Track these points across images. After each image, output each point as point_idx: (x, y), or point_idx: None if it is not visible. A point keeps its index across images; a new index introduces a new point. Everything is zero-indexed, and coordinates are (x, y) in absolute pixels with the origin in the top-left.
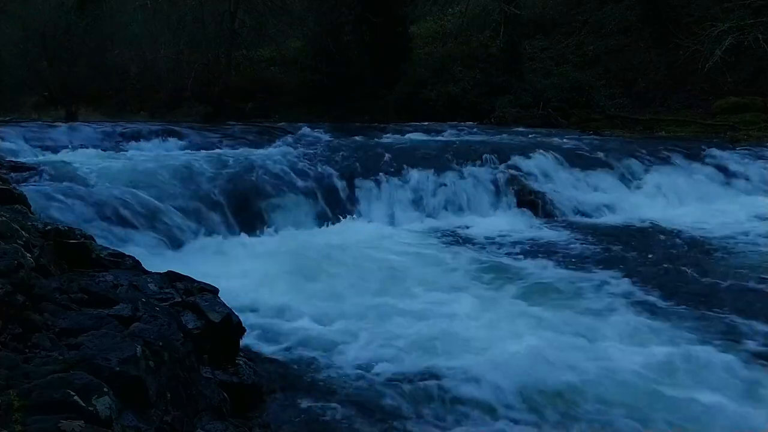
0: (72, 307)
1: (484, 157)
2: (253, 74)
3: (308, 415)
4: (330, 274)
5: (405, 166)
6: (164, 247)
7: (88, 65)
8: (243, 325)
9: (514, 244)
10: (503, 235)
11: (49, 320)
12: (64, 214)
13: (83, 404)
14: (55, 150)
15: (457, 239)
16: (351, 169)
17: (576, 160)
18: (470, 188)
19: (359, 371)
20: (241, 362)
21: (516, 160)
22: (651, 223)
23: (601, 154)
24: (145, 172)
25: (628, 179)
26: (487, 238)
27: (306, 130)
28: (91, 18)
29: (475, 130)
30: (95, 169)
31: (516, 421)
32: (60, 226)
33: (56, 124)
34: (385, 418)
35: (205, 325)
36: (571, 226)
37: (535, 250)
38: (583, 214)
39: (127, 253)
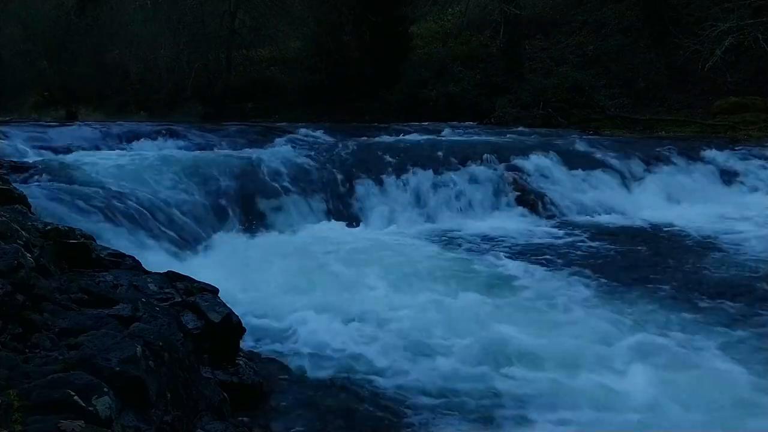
0: (72, 307)
1: (484, 157)
2: (253, 74)
3: (308, 415)
4: (330, 274)
5: (405, 166)
6: (165, 248)
7: (88, 65)
8: (243, 324)
9: (514, 244)
10: (503, 236)
11: (49, 320)
12: (64, 214)
13: (83, 404)
14: (55, 150)
15: (456, 239)
16: (351, 169)
17: (576, 160)
18: (470, 188)
19: (360, 371)
20: (241, 362)
21: (516, 160)
22: (651, 223)
23: (601, 154)
24: (145, 172)
25: (628, 179)
26: (486, 238)
27: (306, 130)
28: (91, 18)
29: (475, 130)
30: (95, 169)
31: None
32: (60, 226)
33: (56, 124)
34: (387, 418)
35: (205, 325)
36: (571, 226)
37: (535, 250)
38: (584, 214)
39: (127, 254)
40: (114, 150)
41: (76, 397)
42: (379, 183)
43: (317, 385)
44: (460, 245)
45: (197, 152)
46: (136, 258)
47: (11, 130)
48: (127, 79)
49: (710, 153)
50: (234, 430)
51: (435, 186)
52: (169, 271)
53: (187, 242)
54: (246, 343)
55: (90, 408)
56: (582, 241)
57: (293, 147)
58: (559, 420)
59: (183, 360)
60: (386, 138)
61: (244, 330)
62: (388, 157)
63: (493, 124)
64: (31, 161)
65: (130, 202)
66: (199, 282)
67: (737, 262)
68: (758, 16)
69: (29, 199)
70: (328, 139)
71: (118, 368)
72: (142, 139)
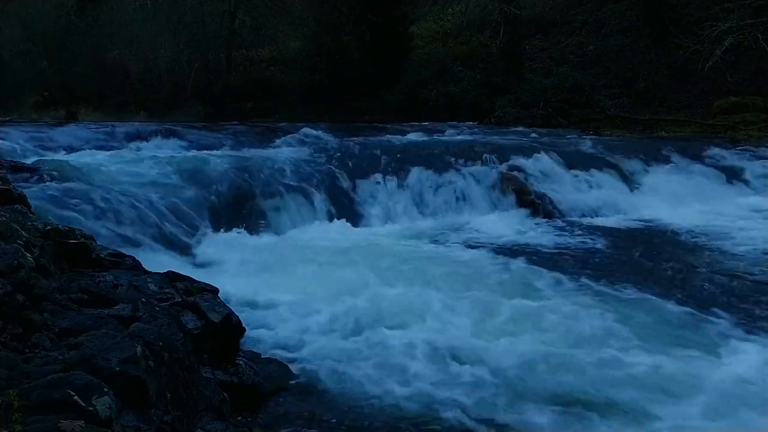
0: (72, 307)
1: (484, 157)
2: (253, 74)
3: (308, 415)
4: (330, 274)
5: (405, 166)
6: (165, 248)
7: (88, 65)
8: (243, 324)
9: (513, 244)
10: (502, 235)
11: (49, 320)
12: (64, 214)
13: (83, 404)
14: (55, 150)
15: (456, 239)
16: (351, 169)
17: (576, 160)
18: (470, 188)
19: (359, 370)
20: (241, 362)
21: (516, 160)
22: (651, 223)
23: (601, 154)
24: (145, 173)
25: (628, 179)
26: (486, 238)
27: (306, 130)
28: (91, 18)
29: (475, 130)
30: (95, 169)
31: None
32: (60, 226)
33: (56, 124)
34: (386, 417)
35: (205, 325)
36: (570, 226)
37: (535, 250)
38: (583, 214)
39: (127, 254)
40: (114, 150)
41: (76, 397)
42: (380, 183)
43: (317, 385)
44: (461, 245)
45: (197, 152)
46: (136, 258)
47: (11, 130)
48: (127, 79)
49: (710, 153)
50: (234, 430)
51: (435, 186)
52: (169, 271)
53: (188, 242)
54: (246, 343)
55: (90, 408)
56: (582, 241)
57: (293, 147)
58: None
59: (183, 360)
60: (386, 138)
61: (244, 330)
62: (388, 157)
63: (493, 124)
64: (31, 161)
65: (129, 202)
66: (199, 282)
67: (738, 262)
68: (758, 16)
69: (29, 199)
70: (329, 139)
71: (118, 368)
72: (141, 140)
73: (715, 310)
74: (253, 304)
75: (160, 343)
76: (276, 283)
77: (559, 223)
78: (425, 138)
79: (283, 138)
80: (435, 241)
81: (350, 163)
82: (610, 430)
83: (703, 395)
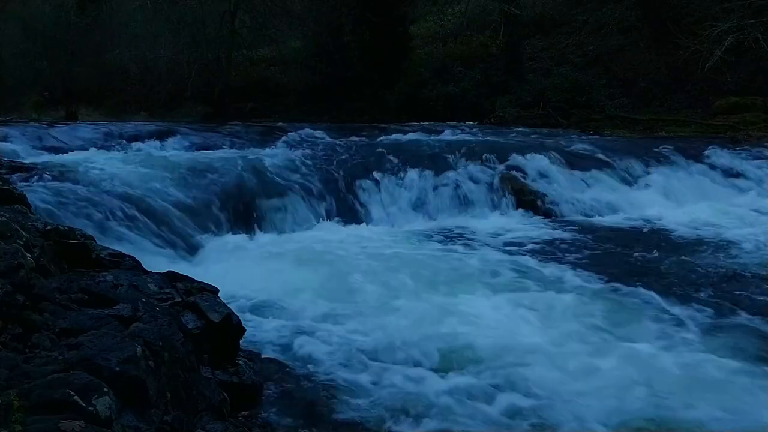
0: (72, 307)
1: (484, 157)
2: (253, 74)
3: (309, 416)
4: (330, 274)
5: (405, 166)
6: (165, 249)
7: (88, 65)
8: (243, 324)
9: (514, 244)
10: (502, 235)
11: (49, 320)
12: (64, 215)
13: (83, 404)
14: (55, 150)
15: (456, 239)
16: (351, 169)
17: (576, 160)
18: (470, 188)
19: (360, 370)
20: (241, 362)
21: (516, 160)
22: (651, 222)
23: (601, 154)
24: (144, 173)
25: (628, 179)
26: (486, 238)
27: (306, 130)
28: (91, 18)
29: (475, 130)
30: (95, 169)
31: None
32: (60, 226)
33: (56, 124)
34: (389, 419)
35: (205, 325)
36: (570, 225)
37: (534, 249)
38: (583, 213)
39: (127, 254)
40: (114, 150)
41: (76, 397)
42: (380, 183)
43: (318, 385)
44: (461, 245)
45: (197, 152)
46: (136, 258)
47: (11, 130)
48: (127, 79)
49: (710, 153)
50: (234, 430)
51: (435, 186)
52: (169, 271)
53: (187, 243)
54: (246, 343)
55: (90, 408)
56: (581, 241)
57: (293, 147)
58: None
59: (183, 360)
60: (386, 138)
61: (244, 330)
62: (388, 157)
63: (493, 124)
64: (31, 161)
65: (129, 203)
66: (199, 282)
67: (736, 263)
68: (758, 16)
69: (29, 199)
70: (329, 139)
71: (118, 368)
72: (141, 140)
73: (716, 309)
74: (253, 304)
75: (160, 343)
76: (276, 283)
77: (559, 222)
78: (425, 138)
79: (283, 138)
80: (435, 241)
81: (350, 164)
82: None
83: None
